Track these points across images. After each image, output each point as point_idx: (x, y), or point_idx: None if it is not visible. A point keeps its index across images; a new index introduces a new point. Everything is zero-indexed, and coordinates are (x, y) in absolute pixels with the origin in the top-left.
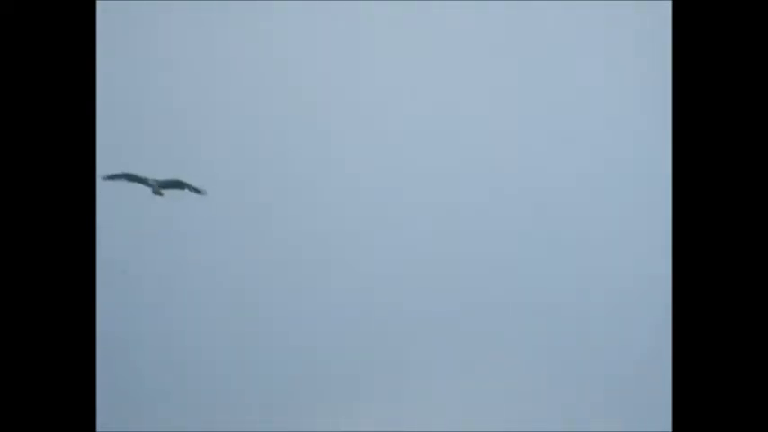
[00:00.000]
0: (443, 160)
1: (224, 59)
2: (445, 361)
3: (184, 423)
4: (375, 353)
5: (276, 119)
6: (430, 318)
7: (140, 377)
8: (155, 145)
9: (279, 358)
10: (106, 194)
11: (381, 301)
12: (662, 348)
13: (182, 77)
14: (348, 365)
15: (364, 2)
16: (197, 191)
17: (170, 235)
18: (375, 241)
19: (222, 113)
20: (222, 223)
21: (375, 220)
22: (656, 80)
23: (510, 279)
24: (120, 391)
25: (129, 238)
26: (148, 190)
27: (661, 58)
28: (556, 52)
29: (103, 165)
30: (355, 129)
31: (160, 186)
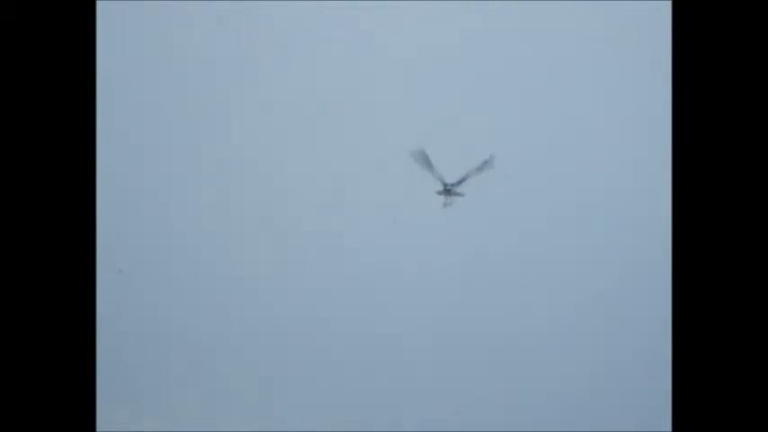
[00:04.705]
0: (442, 153)
1: (225, 61)
2: (440, 359)
3: (185, 423)
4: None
5: (278, 118)
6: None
7: (140, 377)
8: (155, 143)
9: (280, 358)
10: (106, 195)
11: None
12: (662, 348)
13: (181, 78)
14: (349, 367)
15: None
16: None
17: (168, 233)
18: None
19: (222, 113)
20: (221, 221)
21: (380, 211)
22: (655, 80)
23: (507, 278)
24: (120, 390)
25: (126, 236)
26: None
27: (661, 59)
28: (552, 52)
29: (104, 164)
30: (359, 127)
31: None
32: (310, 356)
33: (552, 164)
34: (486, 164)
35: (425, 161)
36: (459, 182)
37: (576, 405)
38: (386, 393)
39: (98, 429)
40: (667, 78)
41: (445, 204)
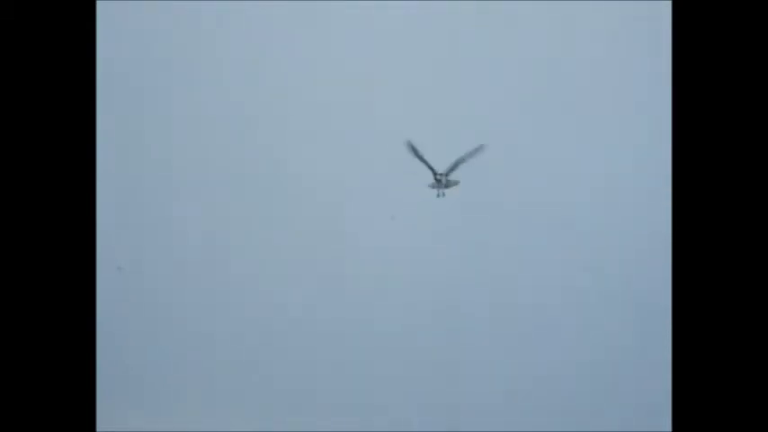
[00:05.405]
0: (441, 153)
1: (223, 61)
2: (439, 359)
3: (185, 423)
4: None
5: (277, 116)
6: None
7: (140, 376)
8: (154, 142)
9: (280, 357)
10: (106, 192)
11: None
12: (662, 348)
13: (181, 77)
14: (349, 367)
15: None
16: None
17: (167, 231)
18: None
19: (222, 111)
20: (221, 219)
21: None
22: (655, 81)
23: (506, 277)
24: (120, 390)
25: (126, 233)
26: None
27: (661, 59)
28: (551, 52)
29: (104, 163)
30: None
31: (445, 175)
32: (310, 356)
33: (552, 163)
34: (476, 151)
35: (415, 153)
36: (451, 169)
37: (575, 405)
38: (386, 393)
39: (98, 429)
40: (667, 78)
41: (438, 195)
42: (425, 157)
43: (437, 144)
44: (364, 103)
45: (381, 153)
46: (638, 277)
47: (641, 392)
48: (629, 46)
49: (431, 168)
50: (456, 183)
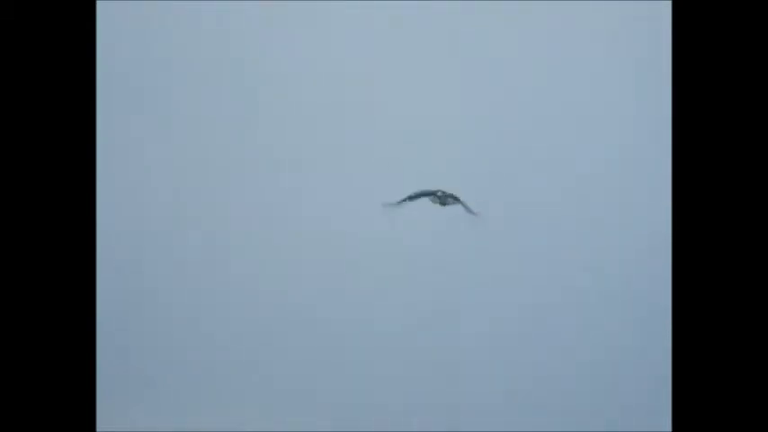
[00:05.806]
0: (441, 152)
1: (223, 61)
2: (439, 360)
3: (185, 423)
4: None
5: (278, 118)
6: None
7: (140, 374)
8: (154, 142)
9: (281, 358)
10: (106, 192)
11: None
12: (662, 347)
13: (181, 78)
14: (348, 366)
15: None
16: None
17: (167, 231)
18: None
19: (222, 112)
20: (221, 219)
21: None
22: (655, 81)
23: (506, 276)
24: (120, 390)
25: (126, 234)
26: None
27: (661, 59)
28: (552, 52)
29: (104, 163)
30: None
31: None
32: (310, 356)
33: (552, 163)
34: (471, 209)
35: (410, 198)
36: (449, 196)
37: (575, 405)
38: (386, 393)
39: (98, 429)
40: (667, 78)
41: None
42: (416, 193)
43: (437, 144)
44: (364, 103)
45: (382, 153)
46: (638, 277)
47: (641, 392)
48: (629, 46)
49: (426, 194)
50: (455, 201)
